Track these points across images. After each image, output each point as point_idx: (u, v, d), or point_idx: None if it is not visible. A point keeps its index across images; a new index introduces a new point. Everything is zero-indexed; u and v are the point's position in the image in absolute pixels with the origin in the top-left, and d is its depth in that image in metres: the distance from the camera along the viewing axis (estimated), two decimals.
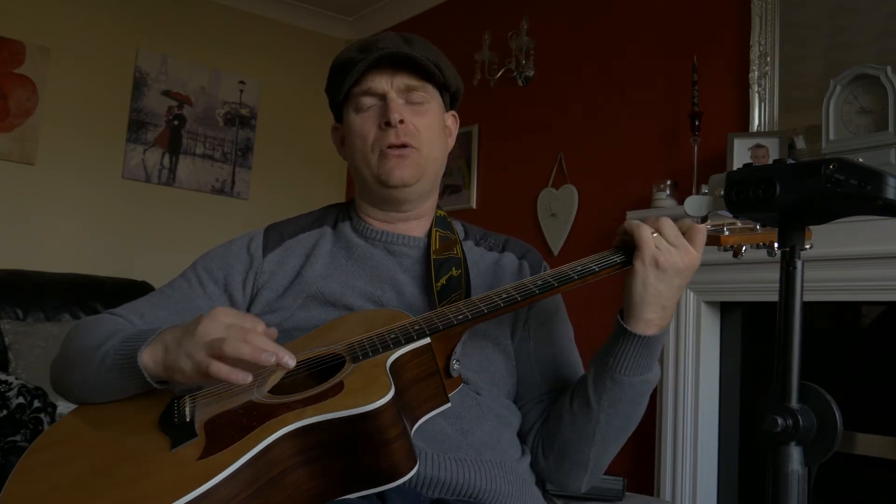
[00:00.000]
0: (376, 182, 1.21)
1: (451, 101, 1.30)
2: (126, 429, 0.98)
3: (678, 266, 1.03)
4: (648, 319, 1.06)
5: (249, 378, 0.91)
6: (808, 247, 0.98)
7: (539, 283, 1.05)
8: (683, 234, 1.06)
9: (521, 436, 1.20)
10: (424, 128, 1.20)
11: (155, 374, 1.00)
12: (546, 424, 1.17)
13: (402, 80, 1.19)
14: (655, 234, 1.04)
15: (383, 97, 1.19)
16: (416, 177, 1.20)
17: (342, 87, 1.20)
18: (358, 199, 1.29)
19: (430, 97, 1.23)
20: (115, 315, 1.18)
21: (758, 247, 1.08)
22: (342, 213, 1.31)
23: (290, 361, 0.92)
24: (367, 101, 1.20)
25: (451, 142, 1.31)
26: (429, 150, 1.21)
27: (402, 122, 1.18)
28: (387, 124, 1.18)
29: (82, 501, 0.85)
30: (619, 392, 1.09)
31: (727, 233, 1.07)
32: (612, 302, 2.59)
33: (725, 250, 1.09)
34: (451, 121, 1.31)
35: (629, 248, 1.07)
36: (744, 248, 1.08)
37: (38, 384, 2.54)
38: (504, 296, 1.04)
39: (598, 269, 1.06)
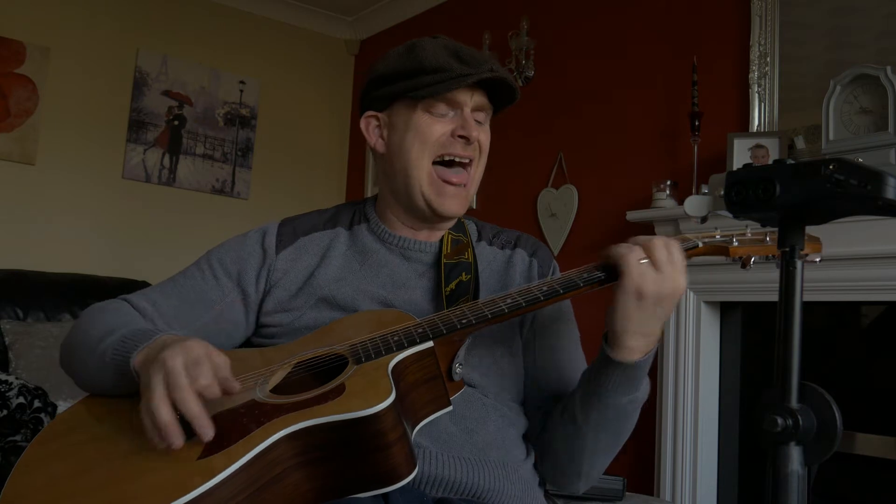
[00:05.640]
0: (425, 203, 1.20)
1: None
2: (128, 424, 0.98)
3: (662, 294, 1.00)
4: (631, 347, 1.03)
5: (162, 445, 0.87)
6: (817, 260, 0.98)
7: (545, 289, 1.04)
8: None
9: (527, 438, 1.20)
10: (484, 146, 1.22)
11: None
12: (543, 432, 1.18)
13: (480, 99, 1.20)
14: (644, 261, 1.01)
15: (459, 109, 1.19)
16: (464, 209, 1.23)
17: (428, 89, 1.16)
18: (385, 198, 1.27)
19: (489, 119, 1.24)
20: (127, 302, 1.18)
21: (767, 259, 1.07)
22: (358, 213, 1.29)
23: (206, 436, 0.87)
24: (443, 108, 1.19)
25: None
26: (478, 170, 1.23)
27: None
28: (462, 137, 1.18)
29: (82, 496, 0.86)
30: (605, 411, 1.08)
31: (736, 244, 1.06)
32: None
33: (734, 261, 1.08)
34: None
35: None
36: (752, 260, 1.07)
37: (38, 384, 2.54)
38: (509, 301, 1.04)
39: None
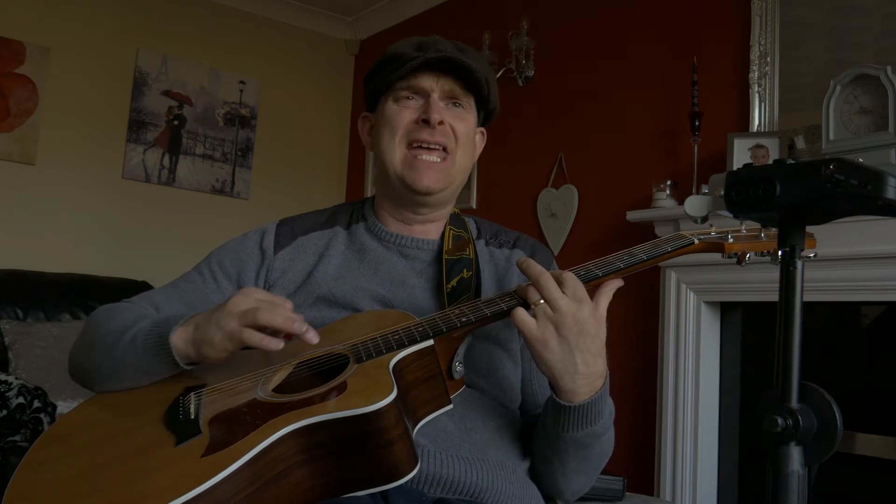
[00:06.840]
0: (399, 181, 1.20)
1: (483, 119, 1.30)
2: (132, 424, 0.99)
3: (566, 332, 0.97)
4: (570, 390, 1.01)
5: (281, 345, 0.96)
6: (811, 255, 0.97)
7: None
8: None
9: (524, 439, 1.19)
10: (461, 133, 1.21)
11: (184, 353, 1.02)
12: (529, 440, 1.17)
13: (448, 84, 1.20)
14: (542, 302, 0.99)
15: (426, 96, 1.19)
16: (442, 186, 1.21)
17: (387, 78, 1.20)
18: (378, 196, 1.29)
19: (469, 108, 1.24)
20: (133, 304, 1.19)
21: (762, 254, 1.05)
22: (356, 213, 1.31)
23: (315, 338, 0.97)
24: (407, 93, 1.20)
25: (476, 156, 1.30)
26: (461, 156, 1.22)
27: (440, 123, 1.19)
28: (425, 122, 1.18)
29: (86, 497, 0.86)
30: (561, 444, 1.07)
31: (731, 240, 1.05)
32: (624, 311, 2.60)
33: (729, 257, 1.06)
34: (479, 137, 1.31)
35: None
36: (748, 256, 1.05)
37: (38, 384, 2.54)
38: (507, 299, 1.04)
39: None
